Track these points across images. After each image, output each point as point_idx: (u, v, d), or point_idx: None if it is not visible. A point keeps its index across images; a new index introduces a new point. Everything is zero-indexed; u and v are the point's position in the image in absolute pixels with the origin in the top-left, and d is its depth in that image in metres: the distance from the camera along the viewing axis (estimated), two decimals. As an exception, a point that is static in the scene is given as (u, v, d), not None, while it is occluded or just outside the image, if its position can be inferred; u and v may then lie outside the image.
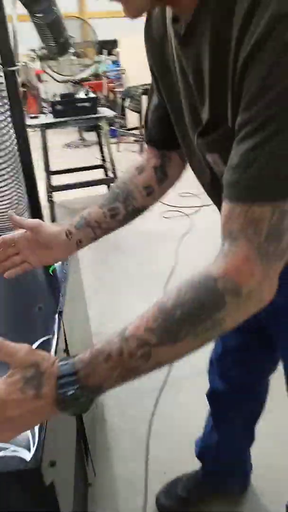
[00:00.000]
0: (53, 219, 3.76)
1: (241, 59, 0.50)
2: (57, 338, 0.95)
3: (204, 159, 0.69)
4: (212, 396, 1.22)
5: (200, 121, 0.63)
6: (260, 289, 0.54)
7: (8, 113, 1.42)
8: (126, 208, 0.89)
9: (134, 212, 0.91)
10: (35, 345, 0.91)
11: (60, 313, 1.03)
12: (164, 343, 0.53)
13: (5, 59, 1.34)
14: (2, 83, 1.35)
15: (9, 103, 1.41)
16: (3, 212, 1.68)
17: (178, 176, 0.93)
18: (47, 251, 0.89)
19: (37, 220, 0.89)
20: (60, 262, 1.26)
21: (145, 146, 0.93)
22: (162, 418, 1.64)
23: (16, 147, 1.48)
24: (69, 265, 1.27)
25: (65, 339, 1.07)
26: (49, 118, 3.63)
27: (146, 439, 1.49)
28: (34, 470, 0.64)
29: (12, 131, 1.45)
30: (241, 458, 1.31)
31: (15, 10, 1.34)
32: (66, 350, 1.08)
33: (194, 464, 1.38)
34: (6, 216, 1.68)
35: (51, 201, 3.76)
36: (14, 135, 1.46)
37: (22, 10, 2.20)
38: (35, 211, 1.58)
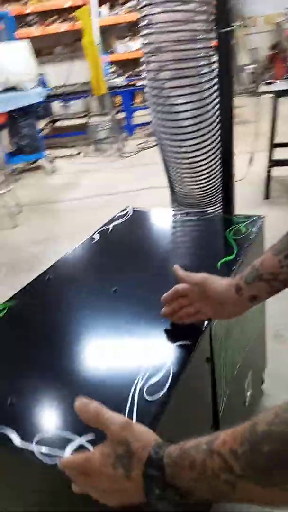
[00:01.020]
0: (267, 196, 3.51)
1: None
2: (197, 345, 0.84)
3: None
4: None
5: None
6: None
7: (215, 79, 1.29)
8: None
9: None
10: (171, 349, 0.82)
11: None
12: (250, 480, 0.41)
13: (220, 20, 1.19)
14: (210, 47, 1.22)
15: (219, 67, 1.28)
16: (201, 188, 1.60)
17: None
18: (219, 306, 0.81)
19: (202, 275, 0.83)
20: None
21: None
22: None
23: (217, 118, 1.35)
24: (242, 259, 1.10)
25: (211, 346, 0.94)
26: (285, 85, 3.30)
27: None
28: None
29: (216, 99, 1.32)
30: None
31: None
32: (211, 359, 0.96)
33: None
34: (204, 190, 1.61)
35: (269, 176, 3.50)
36: (218, 104, 1.33)
37: None
38: (227, 190, 1.43)
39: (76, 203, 3.75)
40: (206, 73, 1.26)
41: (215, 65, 1.26)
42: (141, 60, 1.26)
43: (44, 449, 0.63)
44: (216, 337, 0.97)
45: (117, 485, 0.50)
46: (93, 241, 1.32)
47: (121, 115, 5.68)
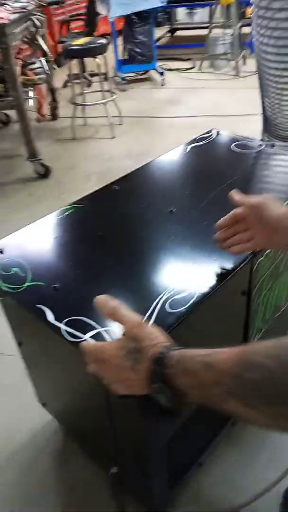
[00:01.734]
0: None
1: None
2: (232, 275, 0.86)
3: None
4: None
5: None
6: None
7: None
8: None
9: None
10: (205, 273, 0.85)
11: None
12: (237, 399, 0.46)
13: None
14: None
15: None
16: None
17: None
18: (272, 233, 0.78)
19: (260, 198, 0.79)
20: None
21: None
22: None
23: None
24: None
25: (250, 280, 0.95)
26: None
27: None
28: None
29: None
30: None
31: None
32: (247, 293, 0.98)
33: None
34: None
35: None
36: None
37: None
38: None
39: (178, 121, 3.67)
40: None
41: None
42: None
43: (69, 329, 0.74)
44: (259, 274, 0.98)
45: (124, 375, 0.56)
46: (168, 159, 1.33)
47: (247, 29, 5.17)
